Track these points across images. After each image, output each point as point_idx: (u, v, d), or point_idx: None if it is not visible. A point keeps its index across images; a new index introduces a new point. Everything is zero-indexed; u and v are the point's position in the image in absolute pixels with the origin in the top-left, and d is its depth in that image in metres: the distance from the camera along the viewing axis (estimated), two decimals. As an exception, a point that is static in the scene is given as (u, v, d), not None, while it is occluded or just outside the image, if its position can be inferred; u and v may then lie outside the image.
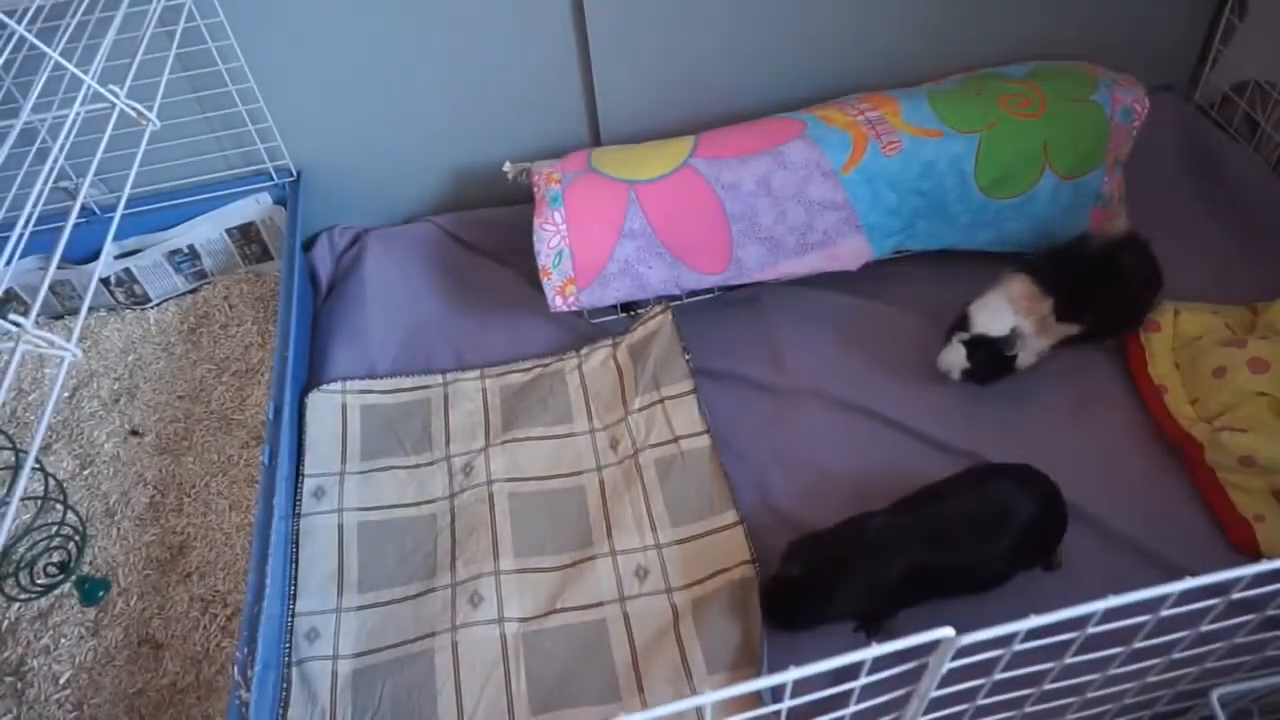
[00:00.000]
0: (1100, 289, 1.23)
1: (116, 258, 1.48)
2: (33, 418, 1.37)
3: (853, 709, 0.62)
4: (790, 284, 1.41)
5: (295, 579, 1.13)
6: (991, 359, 1.20)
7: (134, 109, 0.94)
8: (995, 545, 1.00)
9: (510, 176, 1.43)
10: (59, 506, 1.25)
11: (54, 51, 0.88)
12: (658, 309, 1.37)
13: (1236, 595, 0.63)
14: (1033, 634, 0.57)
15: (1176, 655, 0.71)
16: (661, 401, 1.27)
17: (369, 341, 1.40)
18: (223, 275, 1.55)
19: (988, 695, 0.67)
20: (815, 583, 1.00)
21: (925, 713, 0.66)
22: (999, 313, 1.20)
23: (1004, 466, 1.08)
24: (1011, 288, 1.22)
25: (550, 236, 1.30)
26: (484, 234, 1.55)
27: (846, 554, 1.00)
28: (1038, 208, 1.35)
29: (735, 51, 1.47)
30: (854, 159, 1.29)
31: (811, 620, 1.03)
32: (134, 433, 1.35)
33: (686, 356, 1.31)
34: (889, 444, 1.23)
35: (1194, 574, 0.59)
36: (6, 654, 1.12)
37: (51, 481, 1.27)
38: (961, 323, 1.22)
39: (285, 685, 1.04)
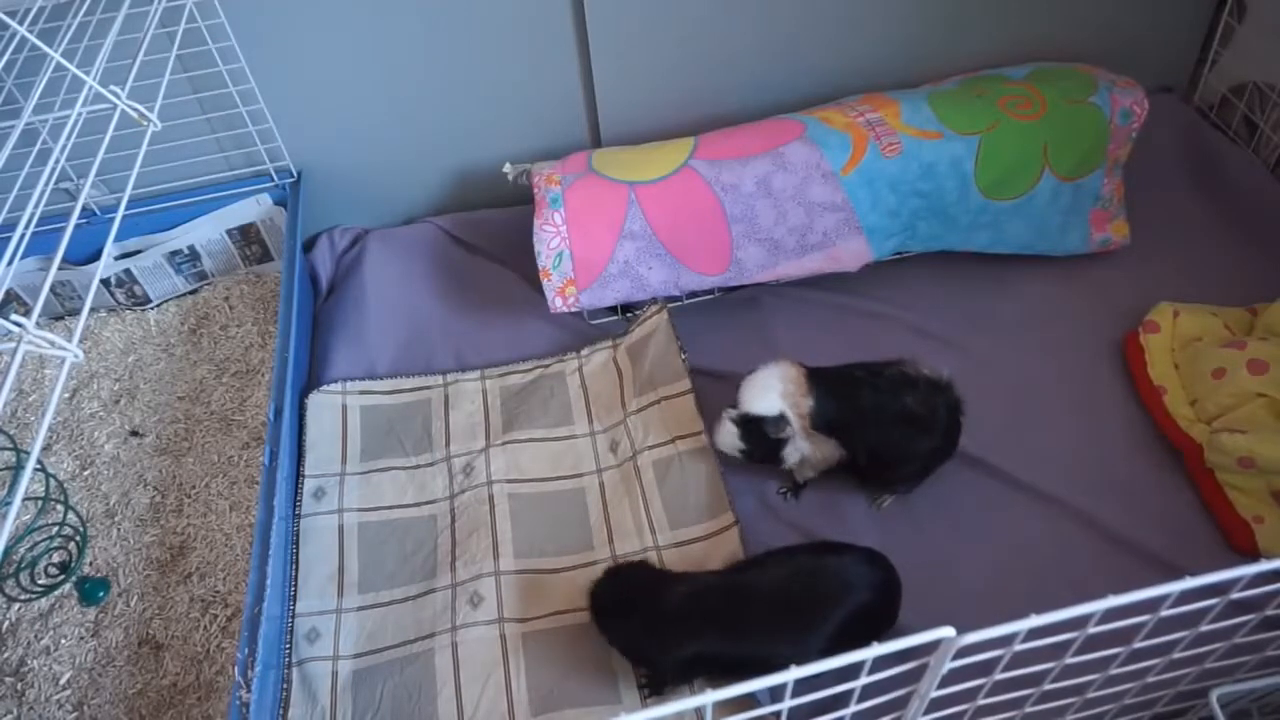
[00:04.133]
0: (864, 415, 1.08)
1: (117, 258, 1.48)
2: (33, 418, 1.37)
3: (853, 709, 0.62)
4: (790, 285, 1.41)
5: (295, 580, 1.14)
6: (765, 437, 1.09)
7: (135, 110, 0.95)
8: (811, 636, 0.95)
9: (510, 178, 1.43)
10: (59, 507, 1.25)
11: (55, 52, 0.88)
12: (654, 308, 1.38)
13: (1236, 595, 0.63)
14: (1033, 634, 0.57)
15: (1176, 655, 0.71)
16: (659, 401, 1.27)
17: (369, 342, 1.40)
18: (223, 276, 1.55)
19: (988, 695, 0.67)
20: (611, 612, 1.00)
21: (926, 712, 0.66)
22: (767, 389, 1.09)
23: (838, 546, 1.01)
24: (782, 366, 1.11)
25: (550, 238, 1.30)
26: (484, 235, 1.55)
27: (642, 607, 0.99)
28: (1037, 209, 1.35)
29: (735, 52, 1.47)
30: (854, 160, 1.30)
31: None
32: (134, 433, 1.35)
33: (683, 355, 1.31)
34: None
35: (1194, 574, 0.59)
36: (7, 654, 1.12)
37: (52, 482, 1.27)
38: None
39: (285, 686, 1.04)
